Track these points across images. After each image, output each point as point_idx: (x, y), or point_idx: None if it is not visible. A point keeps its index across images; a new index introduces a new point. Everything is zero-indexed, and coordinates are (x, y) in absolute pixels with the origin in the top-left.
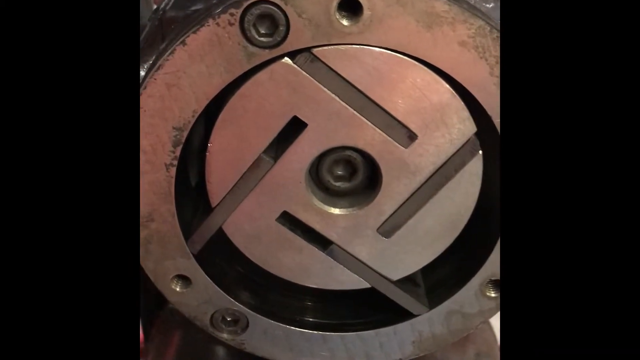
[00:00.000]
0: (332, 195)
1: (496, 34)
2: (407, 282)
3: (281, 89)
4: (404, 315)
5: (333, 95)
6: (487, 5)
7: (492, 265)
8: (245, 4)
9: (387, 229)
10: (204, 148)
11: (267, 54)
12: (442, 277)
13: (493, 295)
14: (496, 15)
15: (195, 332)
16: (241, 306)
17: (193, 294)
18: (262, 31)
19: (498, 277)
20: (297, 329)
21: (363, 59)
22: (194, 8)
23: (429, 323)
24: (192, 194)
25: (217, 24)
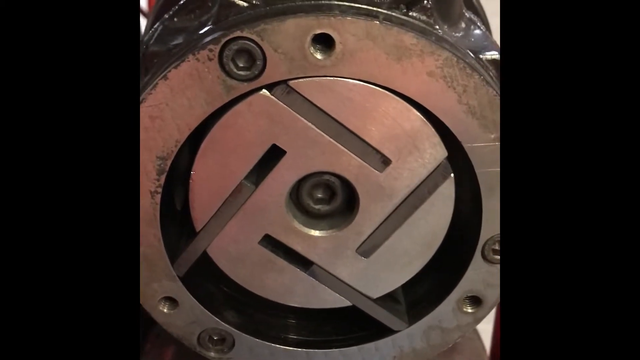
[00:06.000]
0: (312, 217)
1: (463, 64)
2: (387, 300)
3: (260, 119)
4: (384, 331)
5: (310, 124)
6: (456, 35)
7: (469, 282)
8: (224, 40)
9: (366, 249)
10: (188, 174)
11: (245, 87)
12: (421, 294)
13: (470, 310)
14: (464, 43)
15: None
16: (227, 326)
17: (180, 315)
18: (240, 65)
19: (474, 293)
20: (281, 346)
21: (337, 90)
22: (175, 42)
23: (409, 338)
24: (177, 218)
25: (197, 59)
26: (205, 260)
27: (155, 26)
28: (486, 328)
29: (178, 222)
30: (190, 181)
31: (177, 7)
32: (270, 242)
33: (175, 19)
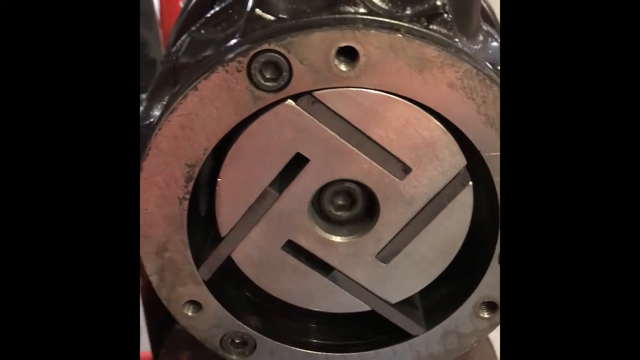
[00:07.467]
0: (333, 224)
1: (482, 76)
2: (405, 305)
3: (285, 128)
4: (402, 336)
5: (333, 133)
6: (475, 47)
7: (485, 288)
8: (252, 53)
9: (386, 255)
10: (213, 181)
11: (272, 97)
12: (438, 299)
13: (486, 316)
14: (483, 55)
15: (203, 351)
16: (249, 329)
17: (204, 318)
18: (267, 76)
19: (491, 299)
20: (301, 350)
21: (360, 100)
22: (204, 54)
23: (426, 343)
24: (202, 223)
25: (226, 70)
26: (229, 265)
27: (183, 38)
28: (497, 336)
29: (203, 228)
30: (217, 188)
31: (203, 19)
32: (293, 248)
33: (202, 31)
